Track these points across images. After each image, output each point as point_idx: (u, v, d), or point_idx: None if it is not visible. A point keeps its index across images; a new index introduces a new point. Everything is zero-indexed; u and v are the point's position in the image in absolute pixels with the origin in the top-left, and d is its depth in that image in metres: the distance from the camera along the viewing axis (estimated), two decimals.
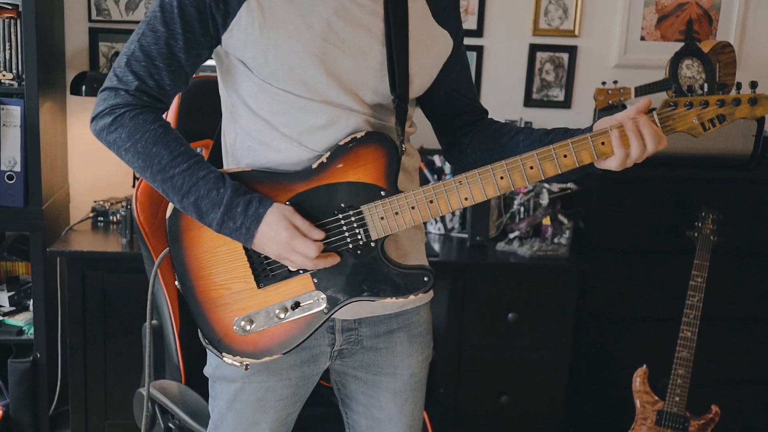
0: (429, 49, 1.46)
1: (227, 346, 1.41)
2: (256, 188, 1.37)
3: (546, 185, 2.82)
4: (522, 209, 2.88)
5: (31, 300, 2.79)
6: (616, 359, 2.83)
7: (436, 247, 2.76)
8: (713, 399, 2.61)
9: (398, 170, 1.37)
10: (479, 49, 3.10)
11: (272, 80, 1.35)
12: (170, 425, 1.82)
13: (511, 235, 2.82)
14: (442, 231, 2.90)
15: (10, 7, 2.62)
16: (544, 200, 2.82)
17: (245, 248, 1.39)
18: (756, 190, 2.77)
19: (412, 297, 1.39)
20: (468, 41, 3.06)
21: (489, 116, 1.61)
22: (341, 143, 1.36)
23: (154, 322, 1.97)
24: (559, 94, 3.16)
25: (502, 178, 1.34)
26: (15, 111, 2.64)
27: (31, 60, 2.59)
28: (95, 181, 3.03)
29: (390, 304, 1.47)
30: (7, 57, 2.65)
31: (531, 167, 1.34)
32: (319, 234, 1.34)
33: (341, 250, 1.37)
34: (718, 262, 2.64)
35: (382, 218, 1.35)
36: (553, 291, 2.72)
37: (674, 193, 2.73)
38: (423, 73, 1.46)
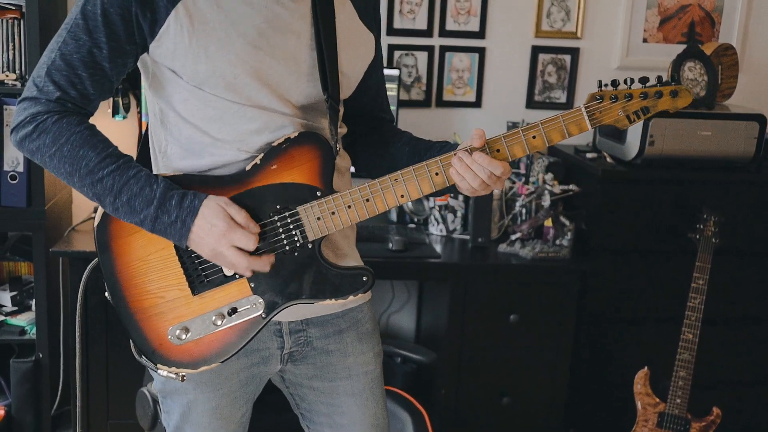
0: (357, 50, 1.46)
1: (162, 357, 1.37)
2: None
3: (548, 186, 2.82)
4: (524, 211, 2.88)
5: (34, 300, 2.79)
6: (617, 361, 2.83)
7: (438, 248, 2.76)
8: (714, 401, 2.61)
9: (333, 170, 1.36)
10: (481, 51, 3.10)
11: (203, 86, 1.32)
12: None
13: (513, 237, 2.82)
14: (444, 233, 2.90)
15: (14, 8, 2.63)
16: (546, 202, 2.82)
17: (178, 254, 1.35)
18: (757, 192, 2.77)
19: (351, 297, 1.38)
20: (470, 43, 3.09)
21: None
22: (274, 144, 1.35)
23: None
24: (561, 96, 3.17)
25: (437, 174, 1.34)
26: (16, 103, 2.64)
27: (34, 61, 2.59)
28: None
29: (331, 305, 1.45)
30: (11, 57, 2.66)
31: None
32: (256, 227, 1.31)
33: (278, 253, 1.35)
34: (720, 263, 2.64)
35: (318, 218, 1.34)
36: (555, 292, 2.72)
37: (676, 195, 2.73)
38: (352, 74, 1.46)
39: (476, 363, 2.75)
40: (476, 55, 3.10)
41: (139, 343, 1.38)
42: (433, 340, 2.93)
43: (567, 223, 2.78)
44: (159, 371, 1.38)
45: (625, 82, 1.35)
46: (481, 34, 3.09)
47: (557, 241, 2.78)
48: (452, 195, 2.82)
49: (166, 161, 1.41)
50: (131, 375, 2.63)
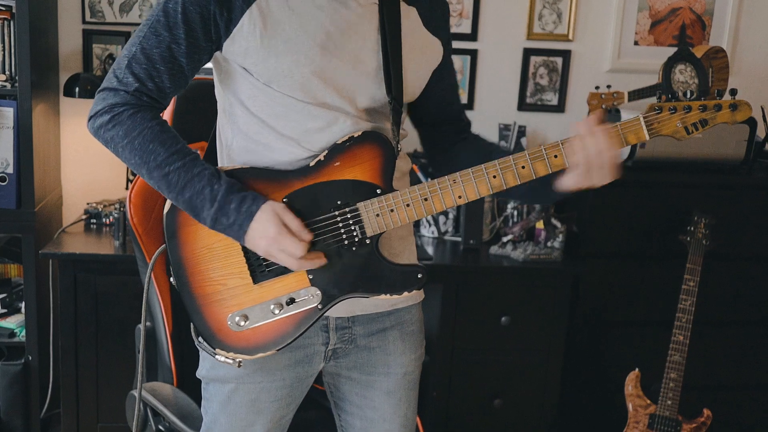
0: (421, 55, 1.50)
1: (220, 342, 1.41)
2: (253, 185, 1.38)
3: None
4: (515, 213, 2.88)
5: (23, 302, 2.78)
6: (608, 363, 2.83)
7: (430, 250, 2.76)
8: (705, 403, 2.61)
9: (393, 169, 1.41)
10: (473, 53, 3.10)
11: (272, 84, 1.38)
12: (161, 428, 1.81)
13: (505, 239, 2.82)
14: (436, 234, 2.90)
15: (4, 9, 2.62)
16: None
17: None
18: (748, 195, 2.78)
19: (405, 294, 1.41)
20: (462, 45, 3.09)
21: (472, 129, 1.65)
22: (338, 142, 1.39)
23: (147, 324, 1.96)
24: (552, 98, 3.17)
25: (494, 177, 1.37)
26: (8, 113, 2.63)
27: (25, 61, 2.59)
28: (88, 183, 3.02)
29: (382, 302, 1.49)
30: (0, 58, 2.64)
31: (522, 167, 1.37)
32: (309, 235, 1.36)
33: (336, 247, 1.39)
34: (711, 266, 2.65)
35: (377, 215, 1.38)
36: (547, 294, 2.73)
37: (667, 198, 2.74)
38: (416, 79, 1.50)
39: (468, 365, 2.75)
40: (468, 58, 3.10)
41: (200, 327, 1.42)
42: (425, 342, 2.92)
43: (558, 225, 2.78)
44: (217, 356, 1.41)
45: (685, 95, 1.37)
46: (473, 36, 3.09)
47: (548, 243, 2.78)
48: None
49: (231, 154, 1.45)
50: (121, 377, 2.63)
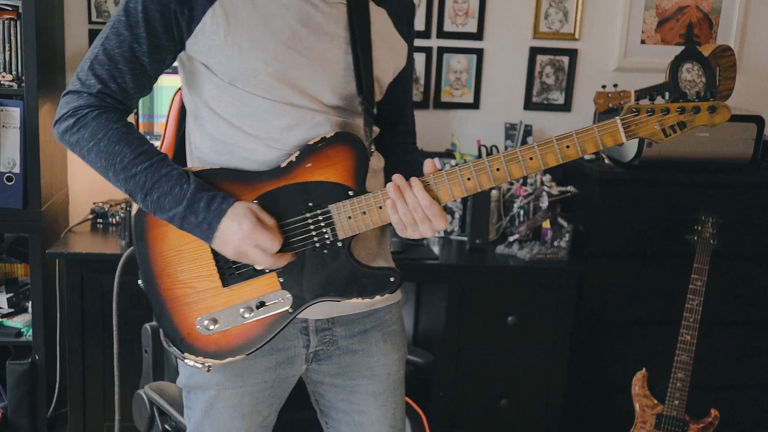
0: (390, 55, 1.49)
1: (189, 346, 1.39)
2: (223, 186, 1.37)
3: (546, 188, 2.82)
4: (522, 212, 2.87)
5: (30, 302, 2.78)
6: (615, 362, 2.82)
7: (436, 250, 2.76)
8: (713, 403, 2.60)
9: (366, 170, 1.39)
10: (479, 52, 3.10)
11: (237, 83, 1.36)
12: (167, 427, 1.82)
13: (511, 239, 2.81)
14: (442, 234, 2.90)
15: (10, 9, 2.62)
16: (544, 203, 2.82)
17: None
18: (755, 194, 2.77)
19: (378, 297, 1.39)
20: (468, 44, 3.08)
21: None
22: (310, 143, 1.37)
23: (153, 323, 1.97)
24: (559, 98, 3.16)
25: (468, 179, 1.36)
26: (14, 112, 2.63)
27: (31, 61, 2.59)
28: (94, 182, 3.03)
29: (359, 303, 1.46)
30: (7, 58, 2.65)
31: (498, 168, 1.36)
32: (281, 237, 1.34)
33: (307, 250, 1.37)
34: (718, 265, 2.64)
35: (349, 217, 1.36)
36: (553, 294, 2.72)
37: (674, 197, 2.73)
38: (384, 78, 1.49)
39: (474, 365, 2.75)
40: (474, 57, 3.10)
41: (169, 331, 1.41)
42: (431, 342, 2.92)
43: (565, 224, 2.77)
44: (186, 360, 1.40)
45: (663, 96, 1.36)
46: (479, 35, 3.09)
47: (555, 243, 2.77)
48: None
49: (200, 156, 1.44)
50: (128, 377, 2.63)
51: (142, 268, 1.42)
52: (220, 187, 1.36)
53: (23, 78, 2.63)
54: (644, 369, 2.61)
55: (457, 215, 2.89)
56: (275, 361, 1.46)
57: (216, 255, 1.38)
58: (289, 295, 1.37)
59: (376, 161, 1.50)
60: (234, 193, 1.36)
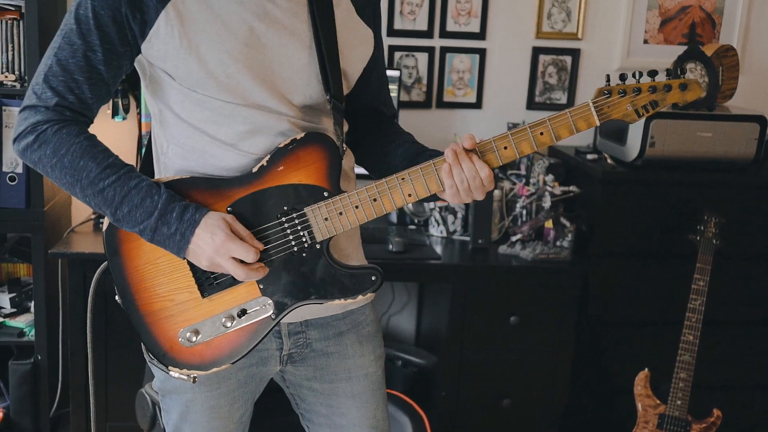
0: (356, 47, 1.45)
1: (173, 359, 1.37)
2: (194, 195, 1.33)
3: (548, 188, 2.82)
4: (524, 212, 2.87)
5: (33, 302, 2.79)
6: (617, 362, 2.82)
7: (438, 249, 2.76)
8: (715, 403, 2.60)
9: (340, 170, 1.36)
10: (482, 52, 3.09)
11: (196, 88, 1.32)
12: None
13: (514, 239, 2.81)
14: (444, 234, 2.90)
15: (13, 9, 2.62)
16: (547, 203, 2.81)
17: None
18: (758, 194, 2.77)
19: (360, 297, 1.38)
20: (471, 44, 3.08)
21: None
22: (281, 145, 1.34)
23: None
24: (561, 97, 3.16)
25: (506, 148, 1.34)
26: (17, 112, 2.63)
27: (34, 61, 2.59)
28: None
29: (334, 306, 1.45)
30: (10, 58, 2.65)
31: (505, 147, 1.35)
32: (260, 245, 1.32)
33: (286, 254, 1.35)
34: (720, 265, 2.64)
35: (326, 219, 1.34)
36: (555, 294, 2.72)
37: (676, 197, 2.73)
38: (351, 72, 1.45)
39: (476, 365, 2.74)
40: (477, 56, 3.09)
41: (150, 346, 1.39)
42: (434, 342, 2.92)
43: (567, 224, 2.77)
44: (171, 373, 1.38)
45: (634, 75, 1.34)
46: (481, 35, 3.09)
47: (558, 243, 2.77)
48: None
49: (167, 162, 1.40)
50: (131, 376, 2.63)
51: (118, 284, 1.38)
52: (191, 196, 1.33)
53: (26, 78, 2.63)
54: (647, 369, 2.61)
55: (459, 215, 2.88)
56: (248, 362, 1.45)
57: (192, 266, 1.35)
58: (270, 302, 1.36)
59: (346, 161, 1.47)
60: (206, 202, 1.33)
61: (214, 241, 1.28)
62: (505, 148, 1.34)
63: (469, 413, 2.79)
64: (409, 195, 1.35)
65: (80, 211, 3.05)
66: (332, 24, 1.38)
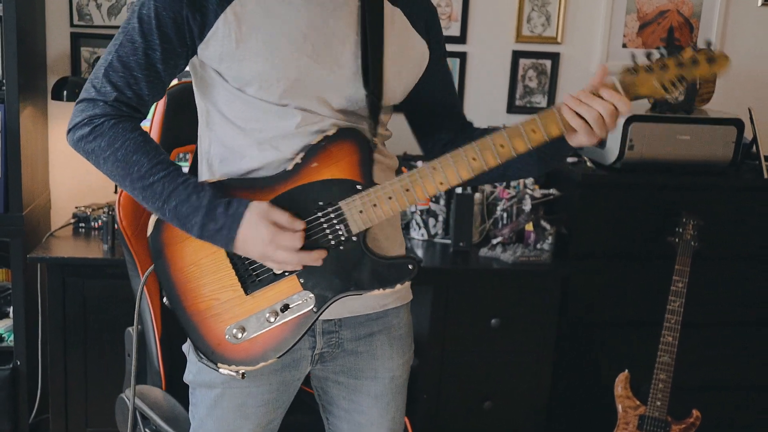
0: (406, 57, 1.48)
1: (221, 356, 1.41)
2: (235, 195, 1.37)
3: (528, 190, 2.83)
4: (505, 215, 2.89)
5: (11, 307, 2.76)
6: (598, 364, 2.84)
7: (420, 252, 2.76)
8: (694, 403, 2.62)
9: (372, 163, 1.39)
10: (462, 56, 3.11)
11: (247, 89, 1.37)
12: (148, 431, 1.81)
13: (494, 241, 2.82)
14: (426, 237, 2.90)
15: None
16: (527, 206, 2.83)
17: (229, 256, 1.39)
18: (736, 196, 2.80)
19: (398, 286, 1.41)
20: (451, 48, 3.08)
21: (474, 126, 1.63)
22: (313, 143, 1.38)
23: (138, 327, 1.96)
24: (542, 101, 3.18)
25: (474, 159, 1.36)
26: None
27: (12, 64, 2.57)
28: (76, 186, 3.01)
29: (372, 303, 1.48)
30: None
31: (502, 145, 1.35)
32: (301, 224, 1.35)
33: (324, 248, 1.38)
34: (699, 267, 2.66)
35: (360, 211, 1.37)
36: (536, 296, 2.73)
37: (655, 199, 2.75)
38: (400, 81, 1.48)
39: (458, 367, 2.75)
40: (457, 60, 3.11)
41: (199, 344, 1.41)
42: (415, 345, 2.92)
43: (548, 227, 2.79)
44: (220, 370, 1.41)
45: (660, 50, 1.34)
46: (462, 39, 3.10)
47: (538, 245, 2.79)
48: (437, 199, 2.82)
49: (210, 161, 1.45)
50: (110, 382, 2.61)
51: (164, 286, 1.42)
52: (232, 195, 1.37)
53: (4, 81, 2.61)
54: (626, 370, 2.62)
55: (440, 218, 2.89)
56: (281, 363, 1.47)
57: (234, 264, 1.39)
58: (311, 295, 1.39)
59: (386, 159, 1.50)
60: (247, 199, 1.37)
61: (260, 239, 1.31)
62: (534, 131, 1.35)
63: (450, 416, 2.79)
64: (441, 183, 1.37)
65: (60, 215, 3.03)
66: (381, 33, 1.42)
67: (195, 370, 1.50)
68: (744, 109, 2.89)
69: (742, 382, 2.96)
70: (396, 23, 1.47)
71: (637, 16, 3.14)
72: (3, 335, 2.77)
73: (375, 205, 1.37)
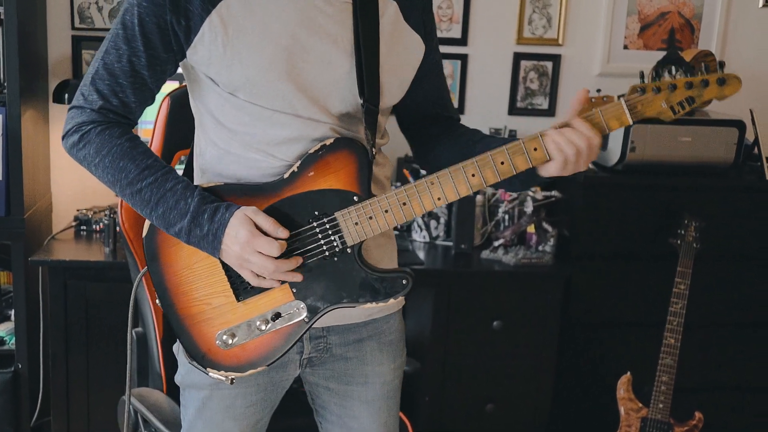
0: (401, 55, 1.45)
1: (211, 361, 1.40)
2: (229, 202, 1.35)
3: (530, 193, 2.83)
4: (506, 217, 2.88)
5: (13, 310, 2.76)
6: (600, 366, 2.83)
7: (421, 255, 2.76)
8: (697, 405, 2.62)
9: (370, 174, 1.37)
10: (464, 58, 3.11)
11: (238, 93, 1.35)
12: None
13: (496, 243, 2.82)
14: (427, 239, 2.90)
15: None
16: (529, 208, 2.83)
17: (222, 262, 1.38)
18: (737, 197, 2.79)
19: (391, 301, 1.39)
20: (452, 50, 3.09)
21: (461, 122, 1.61)
22: (311, 151, 1.36)
23: (139, 329, 1.96)
24: (543, 103, 3.18)
25: (473, 175, 1.34)
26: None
27: (13, 68, 2.57)
28: (78, 189, 3.01)
29: (357, 313, 1.47)
30: None
31: (502, 162, 1.34)
32: (284, 232, 1.32)
33: (318, 258, 1.36)
34: (701, 268, 2.65)
35: (356, 223, 1.35)
36: (538, 298, 2.73)
37: (657, 201, 2.75)
38: (395, 81, 1.45)
39: (460, 370, 2.75)
40: (458, 62, 3.10)
41: (189, 347, 1.41)
42: (417, 348, 2.92)
43: (549, 229, 2.78)
44: (210, 374, 1.41)
45: (670, 72, 1.30)
46: (463, 41, 3.10)
47: (540, 247, 2.78)
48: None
49: (204, 164, 1.44)
50: (112, 384, 2.61)
51: (157, 287, 1.41)
52: (226, 201, 1.35)
53: (5, 84, 2.61)
54: (629, 372, 2.62)
55: (442, 220, 2.89)
56: (268, 367, 1.46)
57: (227, 270, 1.38)
58: (303, 305, 1.37)
59: (381, 170, 1.48)
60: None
61: (238, 240, 1.30)
62: (535, 149, 1.33)
63: (453, 418, 2.79)
64: (438, 198, 1.36)
65: (61, 218, 3.03)
66: (375, 31, 1.39)
67: (184, 371, 1.50)
68: (745, 110, 2.89)
69: (746, 383, 2.95)
70: (391, 18, 1.42)
71: (638, 17, 3.14)
72: (4, 338, 2.76)
73: (371, 218, 1.35)
